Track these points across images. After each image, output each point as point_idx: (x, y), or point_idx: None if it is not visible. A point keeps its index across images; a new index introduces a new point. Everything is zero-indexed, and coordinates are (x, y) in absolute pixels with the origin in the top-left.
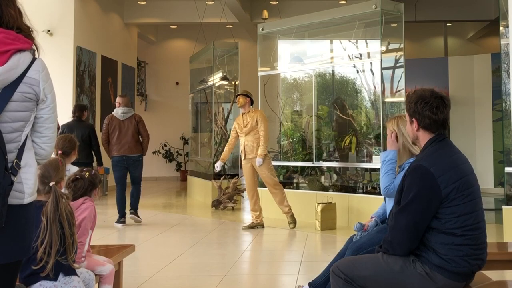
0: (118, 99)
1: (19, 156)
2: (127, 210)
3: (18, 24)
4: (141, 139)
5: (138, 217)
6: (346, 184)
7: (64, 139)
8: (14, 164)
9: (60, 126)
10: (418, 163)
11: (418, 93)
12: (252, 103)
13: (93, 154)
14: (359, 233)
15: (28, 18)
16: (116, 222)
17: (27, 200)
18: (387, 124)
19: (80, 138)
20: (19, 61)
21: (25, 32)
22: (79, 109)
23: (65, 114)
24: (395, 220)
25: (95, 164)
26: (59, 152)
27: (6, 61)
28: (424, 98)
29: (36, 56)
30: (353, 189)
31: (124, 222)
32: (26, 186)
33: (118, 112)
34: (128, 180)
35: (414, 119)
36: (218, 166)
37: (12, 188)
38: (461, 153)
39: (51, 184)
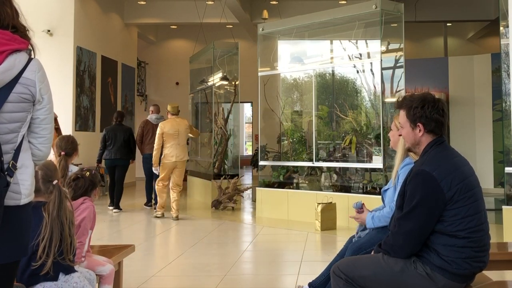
0: (151, 108)
1: (16, 157)
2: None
3: (14, 23)
4: None
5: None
6: (346, 184)
7: (66, 140)
8: (10, 165)
9: (104, 129)
10: (420, 168)
11: (420, 97)
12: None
13: (131, 153)
14: (359, 228)
15: (25, 18)
16: (144, 204)
17: (23, 201)
18: (395, 118)
19: (122, 139)
20: (15, 61)
21: (21, 32)
22: (121, 116)
23: (65, 114)
24: (399, 225)
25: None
26: (62, 153)
27: (2, 61)
28: (430, 102)
29: (32, 56)
30: (353, 189)
31: (151, 206)
32: (23, 187)
33: (152, 117)
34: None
35: (419, 124)
36: None
37: (9, 189)
38: (461, 156)
39: (54, 182)
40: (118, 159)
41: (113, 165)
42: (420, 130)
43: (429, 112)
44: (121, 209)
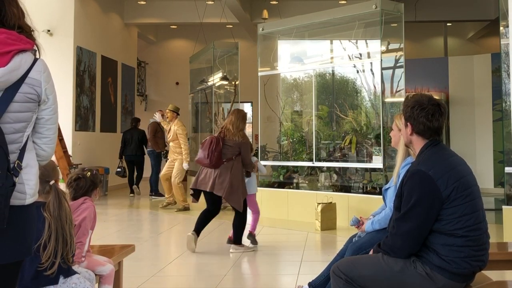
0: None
1: (21, 157)
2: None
3: (20, 23)
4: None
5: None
6: (346, 184)
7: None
8: (15, 165)
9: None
10: (416, 168)
11: (416, 98)
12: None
13: (144, 150)
14: (357, 226)
15: (30, 18)
16: (149, 195)
17: (28, 200)
18: (395, 118)
19: (137, 139)
20: (21, 61)
21: (27, 32)
22: (135, 121)
23: (65, 114)
24: (397, 226)
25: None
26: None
27: (8, 62)
28: (421, 104)
29: (37, 56)
30: (353, 189)
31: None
32: (28, 187)
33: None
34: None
35: (409, 124)
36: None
37: (14, 189)
38: (457, 156)
39: (51, 182)
40: (135, 155)
41: (131, 160)
42: (409, 130)
43: (416, 114)
44: (138, 191)
